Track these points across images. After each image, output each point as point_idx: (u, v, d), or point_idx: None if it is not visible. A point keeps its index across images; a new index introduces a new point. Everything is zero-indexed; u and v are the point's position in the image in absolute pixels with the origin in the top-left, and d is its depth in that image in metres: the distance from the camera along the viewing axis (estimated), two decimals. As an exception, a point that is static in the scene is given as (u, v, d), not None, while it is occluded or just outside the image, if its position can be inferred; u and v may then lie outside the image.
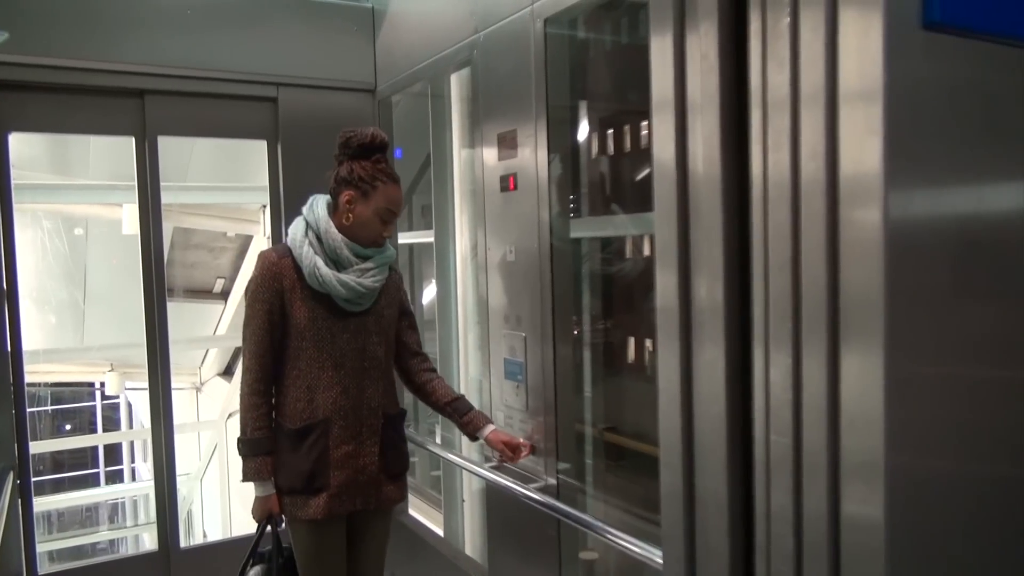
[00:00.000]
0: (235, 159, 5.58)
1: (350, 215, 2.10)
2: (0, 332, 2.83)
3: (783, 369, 0.98)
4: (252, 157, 4.50)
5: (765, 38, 0.98)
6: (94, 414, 10.51)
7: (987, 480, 1.04)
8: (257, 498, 2.14)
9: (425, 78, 3.11)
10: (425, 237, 3.42)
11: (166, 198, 3.22)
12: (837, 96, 0.90)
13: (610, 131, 2.43)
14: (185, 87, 3.11)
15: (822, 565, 0.95)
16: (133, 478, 9.40)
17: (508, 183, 2.44)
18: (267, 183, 3.37)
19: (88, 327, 8.02)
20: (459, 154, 3.24)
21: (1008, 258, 1.03)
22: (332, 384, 2.11)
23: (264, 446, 2.12)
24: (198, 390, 8.46)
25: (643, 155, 2.32)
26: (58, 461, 9.33)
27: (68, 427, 10.80)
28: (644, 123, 2.28)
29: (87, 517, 8.25)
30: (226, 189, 6.09)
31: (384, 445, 2.19)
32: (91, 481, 9.59)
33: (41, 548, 3.35)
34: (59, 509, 7.83)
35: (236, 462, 2.22)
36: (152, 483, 3.29)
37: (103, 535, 7.56)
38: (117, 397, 9.40)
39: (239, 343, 2.20)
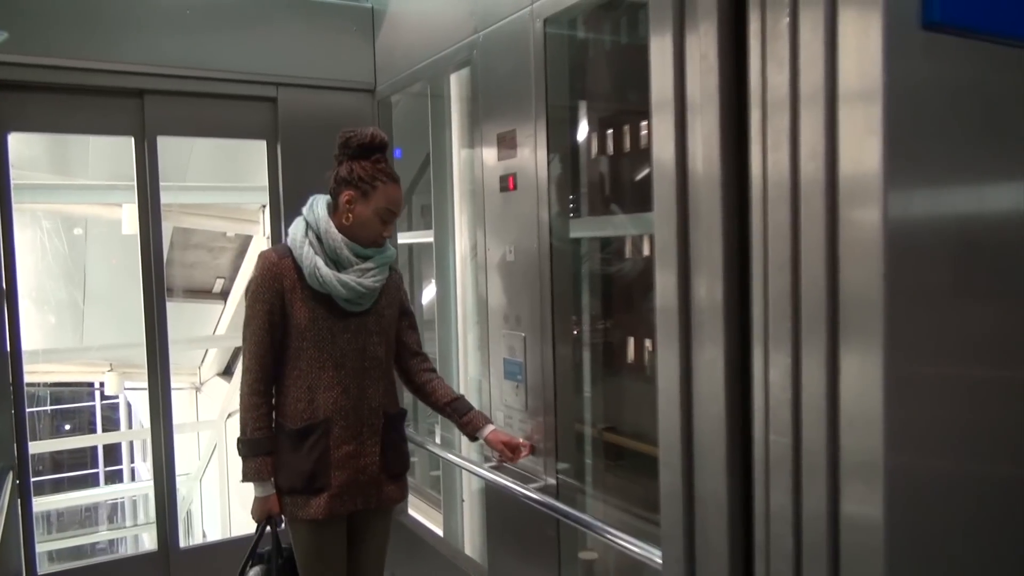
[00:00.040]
0: (234, 159, 5.58)
1: (350, 215, 2.10)
2: (-1, 332, 2.84)
3: (782, 369, 0.98)
4: (251, 157, 4.50)
5: (764, 38, 0.98)
6: (93, 414, 10.51)
7: (987, 480, 1.04)
8: (256, 498, 2.14)
9: (425, 78, 3.11)
10: (425, 237, 3.42)
11: (165, 198, 3.22)
12: (836, 96, 0.90)
13: (610, 131, 2.43)
14: (184, 87, 3.11)
15: (821, 565, 0.95)
16: (132, 478, 9.39)
17: (508, 183, 2.44)
18: (266, 183, 3.37)
19: (87, 327, 8.02)
20: (458, 154, 3.24)
21: (1008, 258, 1.03)
22: (333, 384, 2.11)
23: (264, 446, 2.12)
24: (197, 390, 8.46)
25: (642, 155, 2.32)
26: (57, 461, 9.34)
27: (67, 427, 10.81)
28: (644, 123, 2.28)
29: (86, 517, 8.25)
30: (225, 189, 6.09)
31: (385, 445, 2.19)
32: (90, 481, 9.59)
33: (41, 548, 3.35)
34: (59, 509, 7.84)
35: (235, 462, 2.22)
36: (151, 483, 3.29)
37: (102, 535, 7.56)
38: (116, 397, 9.40)
39: (238, 343, 2.20)
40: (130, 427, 9.67)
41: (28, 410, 3.00)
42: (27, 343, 2.97)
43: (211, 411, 7.62)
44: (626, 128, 2.38)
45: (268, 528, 2.16)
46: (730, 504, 1.05)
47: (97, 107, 3.06)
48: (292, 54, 3.25)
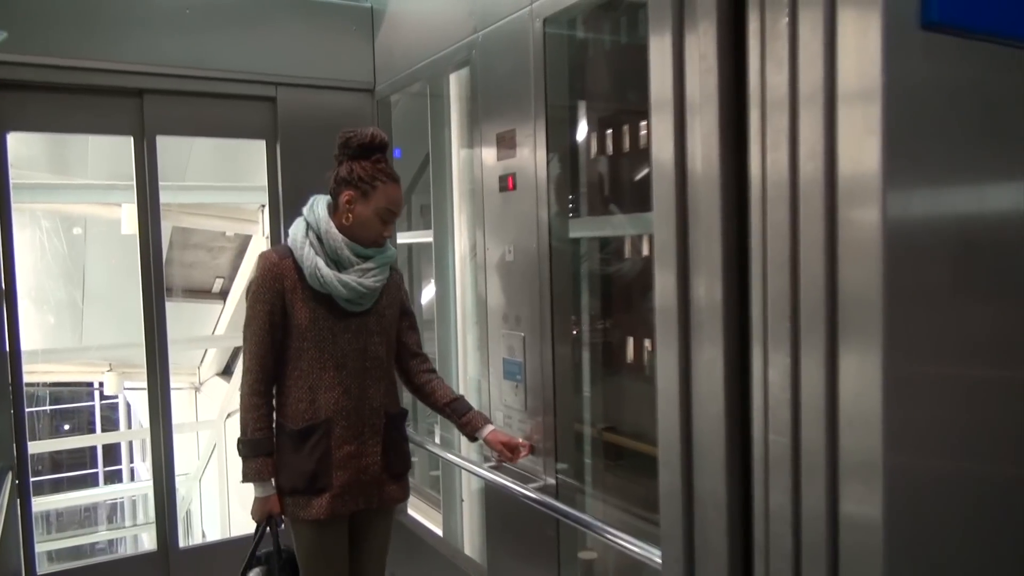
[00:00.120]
0: (234, 159, 5.58)
1: (350, 215, 2.10)
2: (-1, 332, 2.84)
3: (782, 369, 0.98)
4: (251, 157, 4.50)
5: (764, 38, 0.98)
6: (93, 414, 10.49)
7: (986, 480, 1.04)
8: (257, 499, 2.14)
9: (424, 78, 3.11)
10: (424, 237, 3.42)
11: (165, 198, 3.22)
12: (836, 96, 0.90)
13: (609, 131, 2.43)
14: (184, 87, 3.11)
15: (820, 564, 0.95)
16: (132, 478, 9.39)
17: (507, 183, 2.44)
18: (266, 183, 3.37)
19: (87, 327, 8.01)
20: (458, 154, 3.24)
21: (1007, 258, 1.03)
22: (334, 384, 2.11)
23: (264, 447, 2.12)
24: (197, 390, 8.45)
25: (642, 155, 2.32)
26: (57, 461, 9.32)
27: (67, 427, 10.80)
28: (643, 123, 2.28)
29: (86, 517, 8.25)
30: (225, 189, 6.08)
31: (386, 445, 2.19)
32: (90, 481, 9.58)
33: (40, 548, 3.35)
34: (58, 509, 7.83)
35: (235, 462, 2.21)
36: (151, 483, 3.29)
37: (102, 535, 7.55)
38: (116, 397, 9.39)
39: (238, 343, 2.20)
40: (129, 427, 9.66)
41: (27, 410, 3.00)
42: (26, 343, 2.97)
43: (210, 411, 7.61)
44: (625, 128, 2.38)
45: (268, 528, 2.16)
46: (729, 504, 1.05)
47: (96, 107, 3.06)
48: (291, 54, 3.25)
